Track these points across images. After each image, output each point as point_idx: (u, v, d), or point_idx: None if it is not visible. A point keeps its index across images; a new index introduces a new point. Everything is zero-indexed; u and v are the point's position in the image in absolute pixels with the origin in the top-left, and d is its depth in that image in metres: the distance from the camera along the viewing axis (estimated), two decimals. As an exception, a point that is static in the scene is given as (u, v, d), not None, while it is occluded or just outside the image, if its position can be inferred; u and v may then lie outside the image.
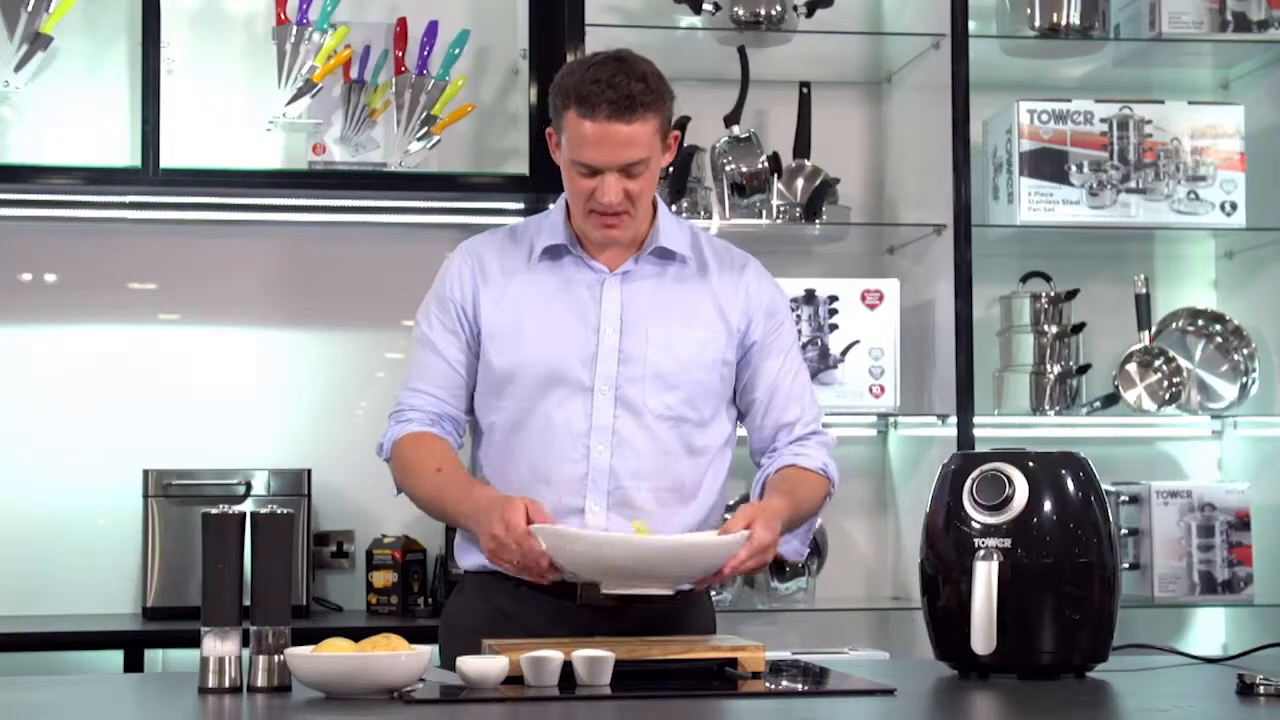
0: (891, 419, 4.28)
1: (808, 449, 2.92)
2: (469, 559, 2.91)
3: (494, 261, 2.90)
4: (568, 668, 2.41)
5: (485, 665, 2.38)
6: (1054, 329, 4.25)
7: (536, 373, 2.84)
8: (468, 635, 2.75)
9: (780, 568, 4.10)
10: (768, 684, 2.50)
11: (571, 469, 2.83)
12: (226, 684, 2.38)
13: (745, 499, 3.18)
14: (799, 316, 4.11)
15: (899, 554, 4.31)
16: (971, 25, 4.09)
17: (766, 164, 4.16)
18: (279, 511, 2.42)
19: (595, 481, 2.83)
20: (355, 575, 4.25)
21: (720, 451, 2.92)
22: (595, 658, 2.39)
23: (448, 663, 2.41)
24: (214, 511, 2.42)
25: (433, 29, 4.20)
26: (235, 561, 2.40)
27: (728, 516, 2.89)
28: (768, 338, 2.93)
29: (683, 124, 4.14)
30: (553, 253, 2.89)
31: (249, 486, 4.05)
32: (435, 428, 2.89)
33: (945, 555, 2.61)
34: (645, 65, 2.79)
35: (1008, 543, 2.56)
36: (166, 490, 4.02)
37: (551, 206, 2.94)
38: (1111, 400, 4.24)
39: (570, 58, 3.86)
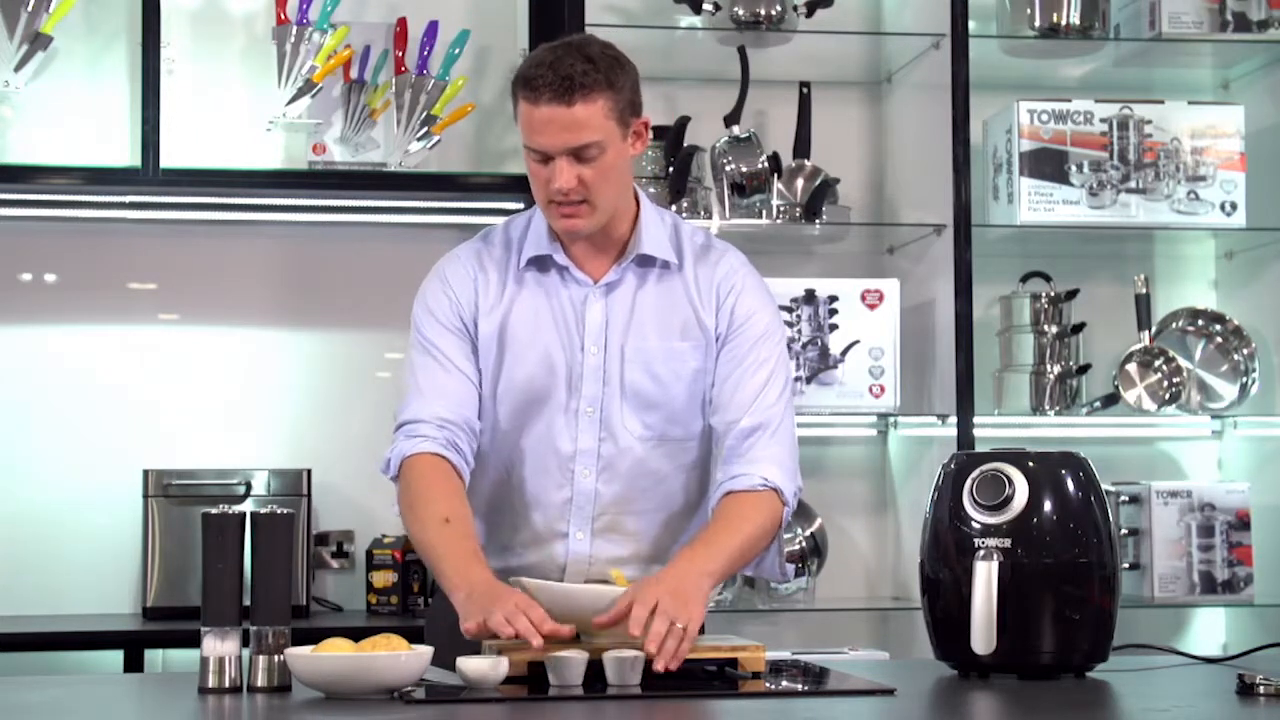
0: (891, 419, 4.28)
1: (747, 461, 2.75)
2: None
3: (492, 270, 2.83)
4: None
5: (485, 665, 2.38)
6: (1054, 329, 4.25)
7: (522, 393, 2.79)
8: (452, 634, 2.74)
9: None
10: (768, 684, 2.50)
11: (556, 493, 2.79)
12: (226, 684, 2.38)
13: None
14: (799, 316, 4.11)
15: (899, 554, 4.31)
16: (971, 25, 4.09)
17: (766, 164, 4.16)
18: (279, 511, 2.42)
19: (580, 507, 2.79)
20: (355, 575, 4.25)
21: (706, 460, 2.87)
22: (625, 658, 2.39)
23: (435, 662, 2.40)
24: (214, 511, 2.42)
25: (433, 29, 4.20)
26: (235, 561, 2.40)
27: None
28: (730, 332, 2.82)
29: (683, 124, 4.15)
30: (538, 264, 2.82)
31: (249, 486, 4.05)
32: (450, 451, 2.74)
33: (945, 555, 2.61)
34: (596, 47, 2.72)
35: (1008, 543, 2.56)
36: (166, 490, 4.02)
37: (536, 208, 2.85)
38: (1111, 400, 4.24)
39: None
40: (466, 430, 2.78)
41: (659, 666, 2.43)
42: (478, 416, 2.81)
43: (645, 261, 2.83)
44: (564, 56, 2.68)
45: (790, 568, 2.99)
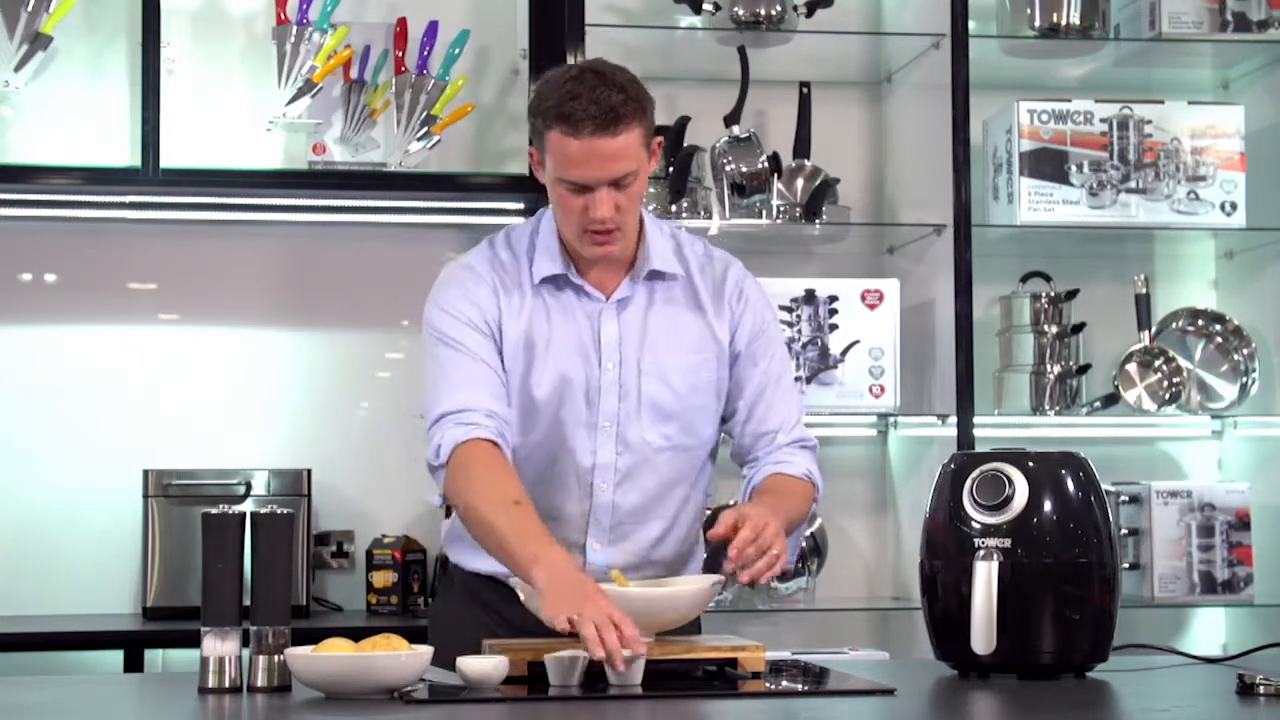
0: (891, 419, 4.28)
1: (791, 456, 2.85)
2: (459, 557, 2.90)
3: (510, 281, 2.81)
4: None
5: (485, 665, 2.38)
6: (1054, 329, 4.25)
7: (543, 409, 2.79)
8: (457, 634, 2.74)
9: (780, 568, 4.10)
10: (768, 684, 2.50)
11: (575, 506, 2.80)
12: (226, 684, 2.38)
13: (725, 507, 3.08)
14: (799, 316, 4.11)
15: (899, 554, 4.31)
16: (971, 25, 4.09)
17: (766, 164, 4.16)
18: (279, 511, 2.42)
19: (598, 519, 2.80)
20: (355, 575, 4.25)
21: (707, 462, 2.90)
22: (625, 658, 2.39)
23: (437, 661, 2.41)
24: (214, 511, 2.42)
25: (433, 29, 4.20)
26: (235, 561, 2.40)
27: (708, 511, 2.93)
28: (751, 345, 2.86)
29: (683, 124, 4.15)
30: (552, 281, 2.81)
31: (249, 486, 4.05)
32: (502, 440, 2.71)
33: (945, 555, 2.62)
34: (622, 74, 2.71)
35: (1008, 543, 2.56)
36: (166, 490, 4.02)
37: (542, 219, 2.85)
38: (1111, 400, 4.24)
39: (570, 58, 3.86)
40: (508, 425, 2.76)
41: (744, 579, 2.55)
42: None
43: (654, 276, 2.84)
44: (598, 87, 2.66)
45: (793, 560, 3.04)
